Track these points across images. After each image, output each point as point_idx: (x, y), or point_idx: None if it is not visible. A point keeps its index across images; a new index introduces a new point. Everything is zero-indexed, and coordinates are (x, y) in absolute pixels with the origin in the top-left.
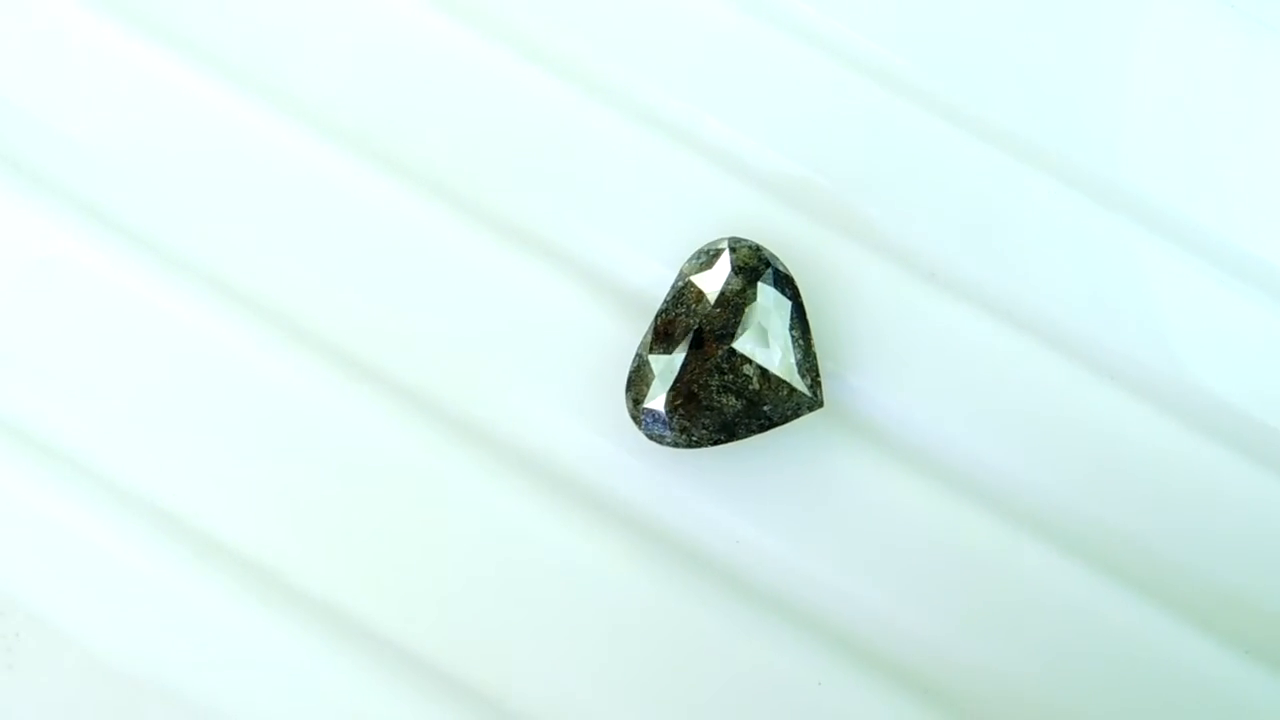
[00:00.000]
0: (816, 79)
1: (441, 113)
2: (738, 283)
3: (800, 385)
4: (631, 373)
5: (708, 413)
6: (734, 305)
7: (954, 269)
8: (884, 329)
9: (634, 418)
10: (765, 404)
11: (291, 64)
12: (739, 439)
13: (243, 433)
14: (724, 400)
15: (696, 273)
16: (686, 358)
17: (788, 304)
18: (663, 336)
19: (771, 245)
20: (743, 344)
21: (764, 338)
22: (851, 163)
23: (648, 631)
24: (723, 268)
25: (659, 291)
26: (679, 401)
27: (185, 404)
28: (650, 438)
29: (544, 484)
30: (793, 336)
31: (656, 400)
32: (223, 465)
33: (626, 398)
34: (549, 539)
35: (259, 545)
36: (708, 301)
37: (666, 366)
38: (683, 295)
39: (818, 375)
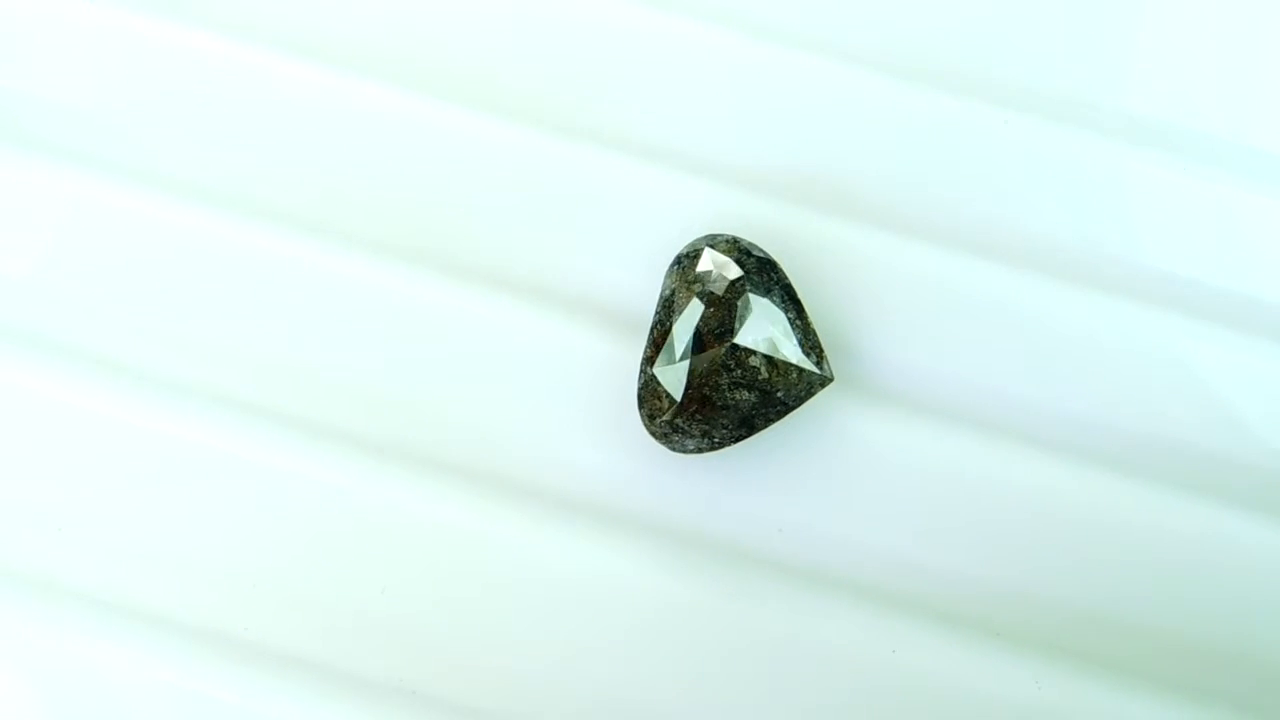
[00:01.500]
0: (750, 64)
1: (400, 179)
2: (724, 279)
3: (808, 365)
4: (640, 390)
5: (724, 412)
6: (725, 301)
7: (925, 217)
8: (873, 292)
9: (653, 433)
10: (778, 391)
11: (246, 158)
12: (759, 431)
13: (266, 526)
14: (737, 396)
15: (681, 278)
16: (692, 363)
17: (777, 289)
18: (660, 341)
19: (746, 235)
20: (744, 337)
21: (763, 327)
22: (807, 140)
23: (719, 640)
24: (706, 267)
25: (645, 304)
26: (694, 407)
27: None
28: (674, 449)
29: (580, 520)
30: (789, 319)
31: (672, 411)
32: (242, 553)
33: (640, 415)
34: (598, 574)
35: (300, 632)
36: (698, 303)
37: (674, 376)
38: (671, 300)
39: (822, 351)
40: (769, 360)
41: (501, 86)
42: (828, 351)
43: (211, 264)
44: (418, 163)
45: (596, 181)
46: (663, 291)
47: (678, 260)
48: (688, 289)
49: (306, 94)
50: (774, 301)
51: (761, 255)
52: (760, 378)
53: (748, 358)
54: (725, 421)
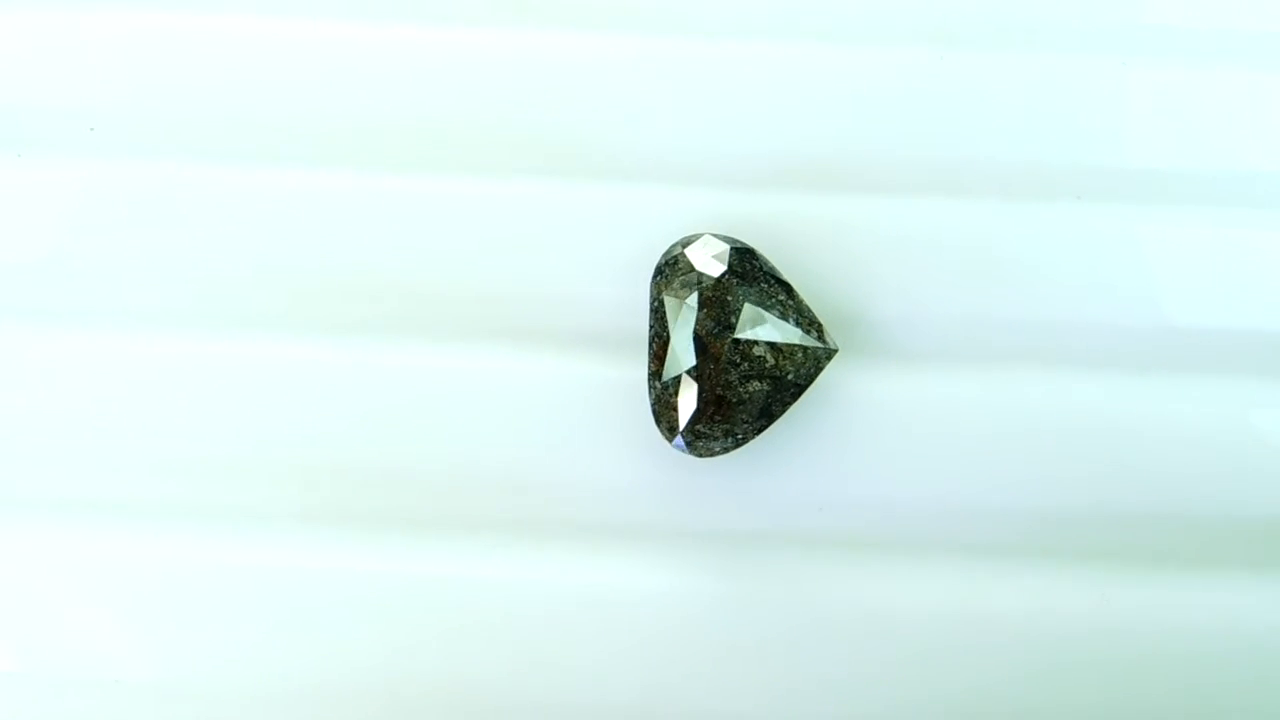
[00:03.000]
0: (685, 65)
1: (367, 256)
2: (709, 277)
3: (811, 341)
4: (654, 405)
5: (741, 407)
6: (716, 299)
7: (888, 173)
8: (856, 256)
9: (678, 446)
10: (788, 374)
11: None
12: (778, 417)
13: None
14: (751, 388)
15: (666, 285)
16: (698, 367)
17: (762, 275)
18: (661, 355)
19: (719, 230)
20: (743, 330)
21: (758, 316)
22: (756, 125)
23: (791, 629)
24: (688, 269)
25: (637, 320)
26: (712, 410)
27: None
28: (701, 455)
29: (626, 545)
30: (781, 302)
31: (691, 418)
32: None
33: (660, 431)
34: (658, 593)
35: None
36: (690, 307)
37: (684, 384)
38: (662, 310)
39: (820, 325)
40: (772, 346)
41: (449, 141)
42: (825, 324)
43: (210, 381)
44: (381, 237)
45: (559, 211)
46: (651, 304)
47: (659, 270)
48: (675, 295)
49: (272, 181)
50: (763, 288)
51: (739, 246)
52: (768, 365)
53: (751, 349)
54: (744, 416)
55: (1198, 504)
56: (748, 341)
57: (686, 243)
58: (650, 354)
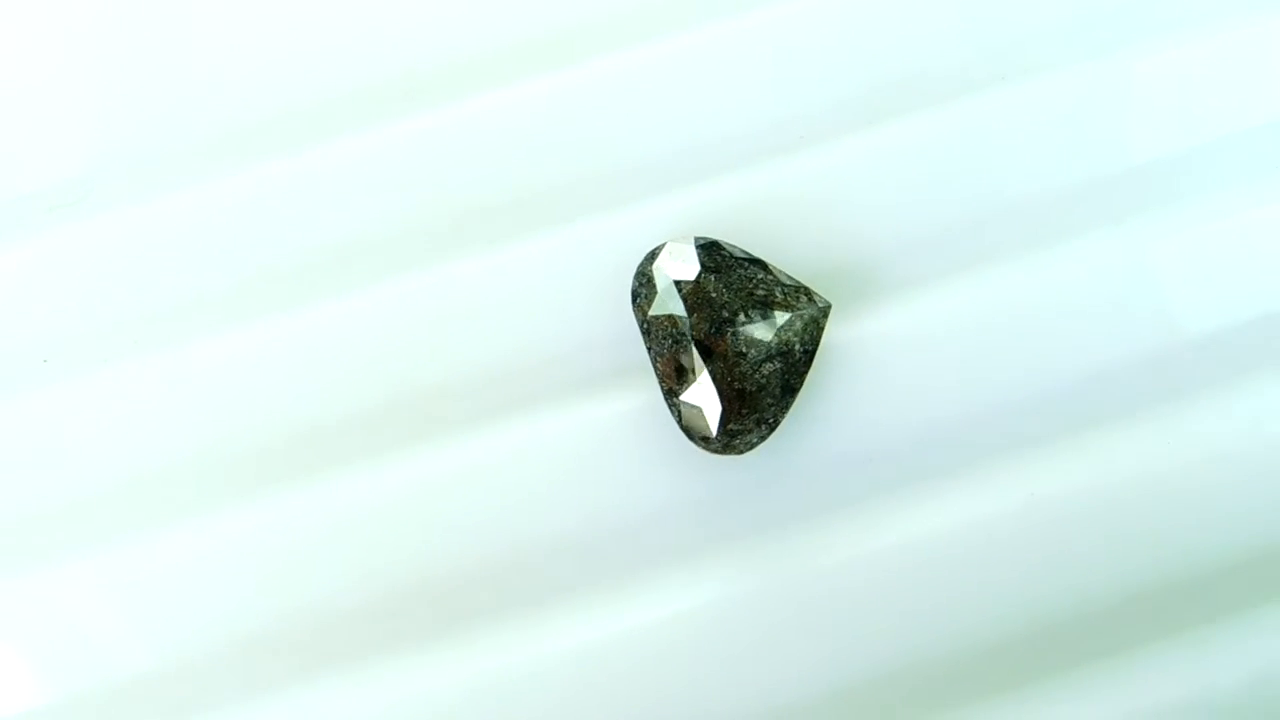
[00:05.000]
0: (594, 83)
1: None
2: (687, 281)
3: (804, 307)
4: (680, 422)
5: (762, 393)
6: (702, 300)
7: (820, 123)
8: (817, 210)
9: (715, 451)
10: (795, 345)
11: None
12: (799, 390)
13: None
14: (765, 372)
15: (647, 304)
16: (710, 370)
17: (734, 261)
18: (675, 373)
19: (674, 235)
20: (737, 320)
21: (747, 300)
22: (682, 120)
23: (902, 575)
24: (664, 279)
25: (631, 348)
26: (737, 405)
27: None
28: (742, 451)
29: (700, 562)
30: (762, 280)
31: (720, 421)
32: None
33: (695, 444)
34: (747, 596)
35: None
36: (680, 317)
37: (704, 392)
38: (654, 330)
39: (806, 289)
40: (770, 325)
41: (380, 246)
42: (811, 285)
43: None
44: (351, 364)
45: (521, 272)
46: (641, 327)
47: (635, 294)
48: (660, 310)
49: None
50: (740, 273)
51: (703, 242)
52: (773, 344)
53: (752, 335)
54: (768, 400)
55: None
56: (746, 329)
57: (652, 257)
58: (658, 374)
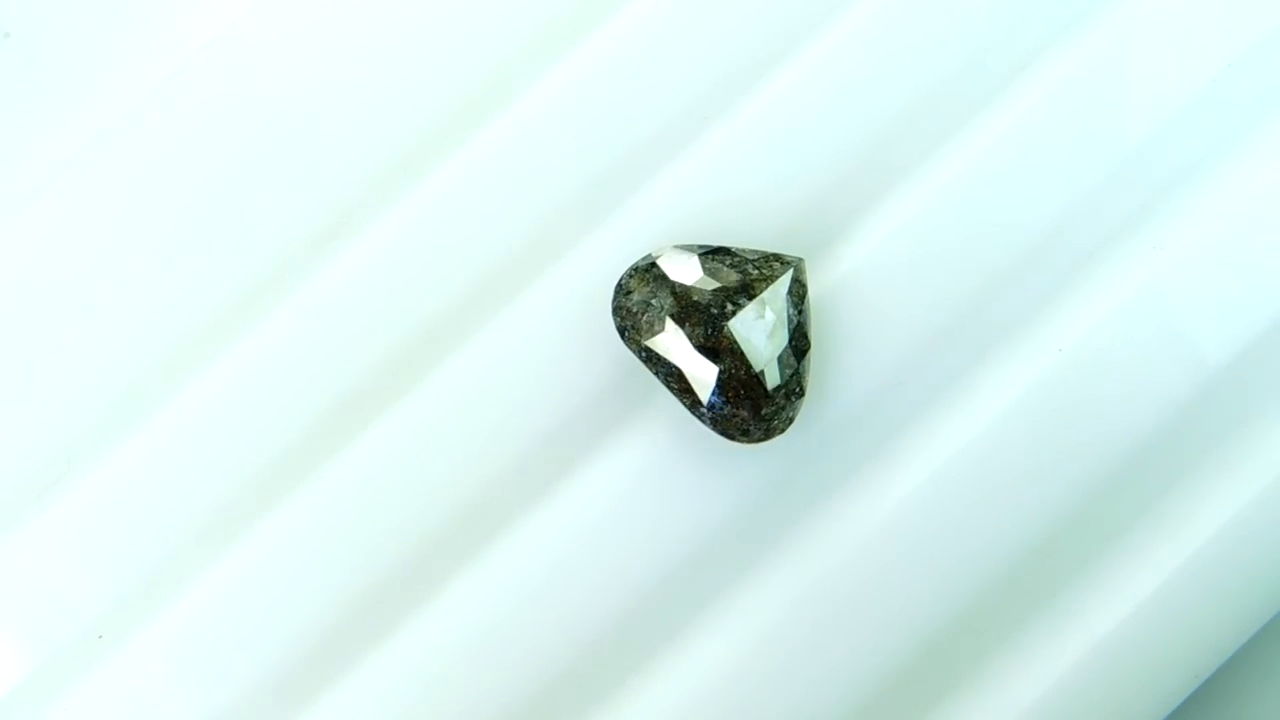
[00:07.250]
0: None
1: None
2: (664, 294)
3: (781, 273)
4: (715, 427)
5: (781, 366)
6: (686, 309)
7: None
8: (748, 179)
9: (761, 439)
10: (788, 309)
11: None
12: (810, 347)
13: None
14: (774, 345)
15: (636, 333)
16: (720, 374)
17: (682, 254)
18: (692, 384)
19: (621, 259)
20: (725, 312)
21: (726, 287)
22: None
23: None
24: (640, 306)
25: (635, 376)
26: (761, 390)
27: None
28: (784, 429)
29: (782, 545)
30: (730, 264)
31: (751, 412)
32: None
33: (737, 440)
34: (839, 567)
35: None
36: (678, 331)
37: (718, 397)
38: (654, 355)
39: (771, 254)
40: (759, 302)
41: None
42: (774, 249)
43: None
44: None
45: (497, 352)
46: (638, 354)
47: (621, 330)
48: (652, 332)
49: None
50: (707, 268)
51: (649, 261)
52: (774, 321)
53: (746, 317)
54: (788, 370)
55: None
56: (739, 318)
57: (621, 289)
58: (674, 391)
